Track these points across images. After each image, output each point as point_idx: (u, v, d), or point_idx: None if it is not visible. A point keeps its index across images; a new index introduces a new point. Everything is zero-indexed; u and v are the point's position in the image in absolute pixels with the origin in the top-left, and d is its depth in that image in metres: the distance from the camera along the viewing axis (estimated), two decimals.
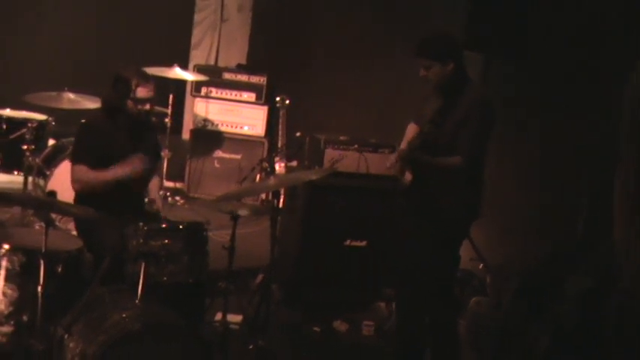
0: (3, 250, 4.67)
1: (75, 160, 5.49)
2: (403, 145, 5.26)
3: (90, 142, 5.52)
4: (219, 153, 9.05)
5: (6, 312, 4.63)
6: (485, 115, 5.06)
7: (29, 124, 7.11)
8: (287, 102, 7.50)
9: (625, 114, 1.62)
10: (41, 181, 6.95)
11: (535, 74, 6.55)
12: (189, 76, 8.54)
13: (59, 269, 4.72)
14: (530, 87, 6.66)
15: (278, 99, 7.60)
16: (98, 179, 5.33)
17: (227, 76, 9.16)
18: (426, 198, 5.16)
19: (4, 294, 4.63)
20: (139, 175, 5.38)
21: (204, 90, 9.08)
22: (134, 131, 5.59)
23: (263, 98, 9.11)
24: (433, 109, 5.10)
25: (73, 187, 5.46)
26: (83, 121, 5.83)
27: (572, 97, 6.18)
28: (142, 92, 5.44)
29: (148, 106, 5.50)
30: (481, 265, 6.65)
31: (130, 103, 5.42)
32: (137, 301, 4.54)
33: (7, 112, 7.45)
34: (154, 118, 6.24)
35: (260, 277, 6.28)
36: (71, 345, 4.36)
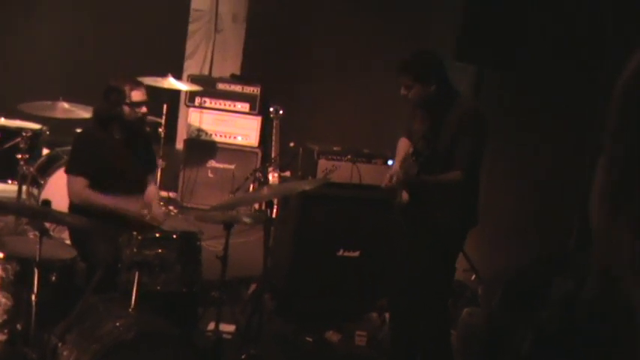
0: None
1: (72, 171, 5.51)
2: (397, 161, 5.27)
3: (87, 152, 5.55)
4: (212, 163, 9.07)
5: (0, 320, 4.64)
6: (479, 126, 5.08)
7: (24, 134, 7.12)
8: (281, 112, 7.50)
9: (615, 105, 1.64)
10: (35, 191, 6.97)
11: (527, 85, 6.59)
12: (183, 86, 8.56)
13: (53, 278, 4.73)
14: (523, 97, 6.70)
15: (272, 109, 7.60)
16: (97, 202, 5.36)
17: (221, 86, 9.19)
18: (421, 211, 5.19)
19: None
20: (137, 219, 5.33)
21: (198, 100, 9.10)
22: (130, 140, 5.62)
23: (257, 108, 9.14)
24: (424, 124, 5.12)
25: (70, 199, 5.48)
26: (79, 130, 5.85)
27: (564, 107, 6.21)
28: (137, 96, 5.51)
29: (144, 109, 5.56)
30: (473, 276, 6.68)
31: (126, 109, 5.47)
32: (130, 310, 4.54)
33: (2, 121, 7.47)
34: (147, 128, 6.27)
35: (253, 286, 6.30)
36: (65, 353, 4.37)
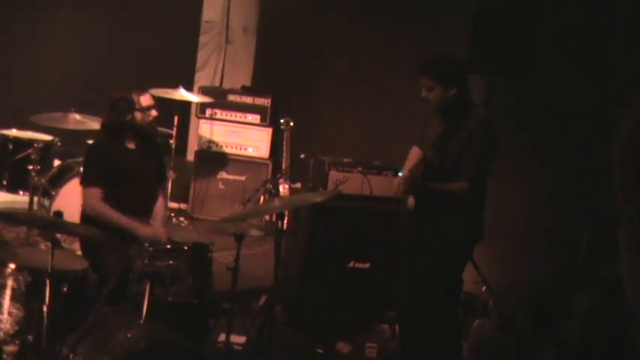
0: (9, 270, 4.69)
1: (86, 182, 5.53)
2: (406, 168, 5.28)
3: (99, 161, 5.57)
4: (223, 174, 9.08)
5: (11, 331, 4.63)
6: (489, 138, 5.08)
7: (35, 145, 7.15)
8: (291, 124, 7.51)
9: (624, 138, 1.64)
10: (46, 202, 6.99)
11: (539, 97, 6.58)
12: (194, 97, 8.58)
13: (65, 289, 4.73)
14: (534, 109, 6.69)
15: (282, 121, 7.61)
16: (112, 219, 5.38)
17: (232, 97, 9.21)
18: (429, 220, 5.19)
19: (9, 313, 4.64)
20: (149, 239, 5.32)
21: (208, 111, 9.12)
22: (143, 150, 5.67)
23: (267, 120, 9.16)
24: (436, 132, 5.13)
25: (84, 210, 5.50)
26: (91, 142, 5.87)
27: (576, 119, 6.20)
28: (145, 100, 5.59)
29: (154, 112, 5.63)
30: (484, 287, 6.66)
31: (138, 114, 5.54)
32: (142, 321, 4.55)
33: (14, 132, 7.52)
34: (158, 140, 6.30)
35: (264, 298, 6.29)
36: None
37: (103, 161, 5.57)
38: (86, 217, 5.49)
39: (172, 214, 8.52)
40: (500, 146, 5.16)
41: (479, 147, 5.00)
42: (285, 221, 5.96)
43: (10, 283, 4.67)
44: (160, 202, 5.84)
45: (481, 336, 6.01)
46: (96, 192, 5.44)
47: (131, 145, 5.63)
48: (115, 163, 5.53)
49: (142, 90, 5.68)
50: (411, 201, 5.20)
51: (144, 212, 5.64)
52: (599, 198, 5.64)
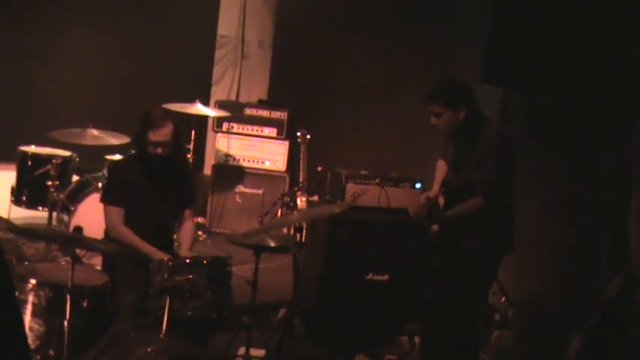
0: (30, 286, 4.72)
1: (105, 201, 5.55)
2: (436, 184, 5.34)
3: (118, 181, 5.59)
4: (240, 188, 9.09)
5: (33, 346, 4.65)
6: (502, 151, 5.11)
7: (54, 161, 7.19)
8: (308, 137, 7.53)
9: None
10: (65, 217, 7.02)
11: (556, 108, 6.57)
12: (210, 112, 8.61)
13: (85, 304, 4.76)
14: (550, 120, 6.68)
15: (299, 134, 7.63)
16: (132, 243, 5.36)
17: (248, 111, 9.23)
18: (451, 240, 5.22)
19: (30, 329, 4.67)
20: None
21: (225, 125, 9.14)
22: (156, 172, 5.59)
23: (284, 133, 9.17)
24: (452, 153, 5.20)
25: (106, 229, 5.51)
26: (115, 158, 5.83)
27: (593, 129, 6.19)
28: (155, 135, 5.42)
29: (160, 150, 5.45)
30: (503, 298, 6.65)
31: (147, 143, 5.45)
32: (162, 336, 4.57)
33: (32, 148, 7.56)
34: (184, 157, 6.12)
35: (283, 311, 6.29)
36: None
37: (120, 180, 5.58)
38: (107, 236, 5.51)
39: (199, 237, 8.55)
40: (516, 158, 5.17)
41: (492, 161, 5.03)
42: (304, 234, 5.99)
43: (30, 298, 4.71)
44: (186, 225, 5.77)
45: (501, 348, 6.00)
46: (115, 211, 5.44)
47: (150, 167, 5.55)
48: (132, 182, 5.53)
49: (164, 120, 5.48)
50: (435, 226, 5.26)
51: (156, 235, 5.56)
52: (614, 208, 5.62)
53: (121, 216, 5.43)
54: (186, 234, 5.75)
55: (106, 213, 5.50)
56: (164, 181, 5.61)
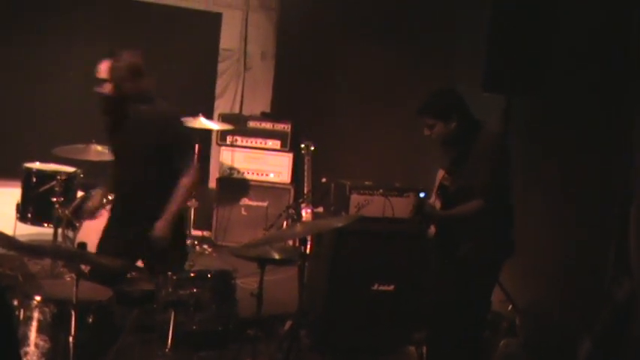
0: (35, 302, 4.71)
1: None
2: (434, 192, 5.36)
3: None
4: (245, 201, 9.11)
5: None
6: (498, 154, 5.14)
7: (58, 177, 7.20)
8: (312, 148, 7.52)
9: None
10: (70, 233, 7.03)
11: (556, 109, 6.56)
12: (214, 125, 8.63)
13: (90, 319, 4.75)
14: (552, 126, 6.67)
15: (303, 145, 7.63)
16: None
17: (252, 124, 9.25)
18: (449, 244, 5.22)
19: (36, 345, 4.66)
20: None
21: (229, 139, 9.17)
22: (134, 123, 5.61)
23: (288, 145, 9.19)
24: (449, 159, 5.22)
25: None
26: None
27: (595, 134, 6.18)
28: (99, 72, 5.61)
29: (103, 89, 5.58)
30: (510, 306, 6.63)
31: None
32: (167, 350, 4.57)
33: (37, 165, 7.58)
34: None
35: (288, 323, 6.28)
36: None
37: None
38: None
39: (196, 242, 8.55)
40: (513, 160, 5.19)
41: (488, 166, 5.05)
42: (309, 246, 5.98)
43: (36, 315, 4.69)
44: (182, 181, 5.51)
45: (507, 356, 5.99)
46: None
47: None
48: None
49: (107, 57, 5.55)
50: (431, 230, 5.26)
51: (130, 194, 5.52)
52: (619, 212, 5.61)
53: None
54: (179, 189, 5.49)
55: None
56: (126, 132, 5.53)
